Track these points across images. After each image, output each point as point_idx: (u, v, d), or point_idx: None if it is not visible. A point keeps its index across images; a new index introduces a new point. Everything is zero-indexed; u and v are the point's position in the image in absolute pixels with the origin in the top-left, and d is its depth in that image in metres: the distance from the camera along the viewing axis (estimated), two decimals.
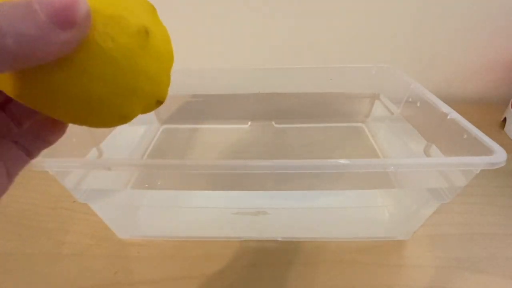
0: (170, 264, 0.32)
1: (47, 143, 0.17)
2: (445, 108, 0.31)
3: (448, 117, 0.30)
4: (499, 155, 0.23)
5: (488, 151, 0.24)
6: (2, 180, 0.14)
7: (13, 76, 0.12)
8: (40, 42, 0.09)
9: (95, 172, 0.27)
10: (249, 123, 0.52)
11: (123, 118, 0.15)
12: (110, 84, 0.13)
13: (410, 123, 0.38)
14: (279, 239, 0.34)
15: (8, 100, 0.15)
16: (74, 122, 0.14)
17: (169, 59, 0.15)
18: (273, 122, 0.52)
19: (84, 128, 0.32)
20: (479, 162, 0.23)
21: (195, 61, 0.55)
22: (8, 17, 0.09)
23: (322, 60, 0.58)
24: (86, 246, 0.34)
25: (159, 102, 0.16)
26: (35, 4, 0.09)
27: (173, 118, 0.51)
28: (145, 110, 0.15)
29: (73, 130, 0.30)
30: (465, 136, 0.27)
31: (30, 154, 0.16)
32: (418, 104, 0.36)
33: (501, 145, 0.24)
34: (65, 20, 0.09)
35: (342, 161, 0.23)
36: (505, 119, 0.51)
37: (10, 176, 0.15)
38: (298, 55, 0.57)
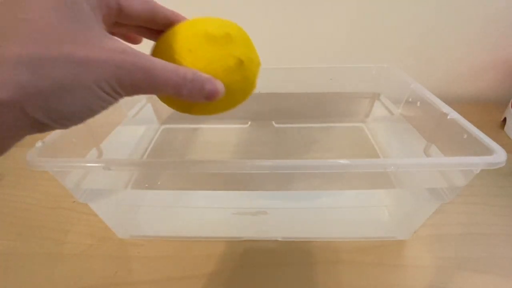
0: (170, 264, 0.32)
1: None
2: (445, 108, 0.31)
3: (448, 117, 0.30)
4: (499, 155, 0.23)
5: (488, 151, 0.24)
6: None
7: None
8: (191, 97, 0.18)
9: (95, 172, 0.27)
10: (249, 123, 0.52)
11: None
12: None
13: (410, 123, 0.38)
14: (279, 239, 0.34)
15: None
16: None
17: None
18: (273, 122, 0.52)
19: (84, 128, 0.32)
20: (479, 162, 0.23)
21: None
22: (190, 82, 0.17)
23: (322, 60, 0.58)
24: (86, 246, 0.34)
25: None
26: (205, 84, 0.18)
27: (173, 118, 0.51)
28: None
29: (73, 130, 0.30)
30: (465, 136, 0.27)
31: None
32: (418, 104, 0.36)
33: (501, 145, 0.24)
34: (209, 97, 0.18)
35: (342, 161, 0.23)
36: (505, 119, 0.51)
37: None
38: (298, 55, 0.57)
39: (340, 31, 0.54)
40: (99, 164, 0.25)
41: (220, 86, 0.18)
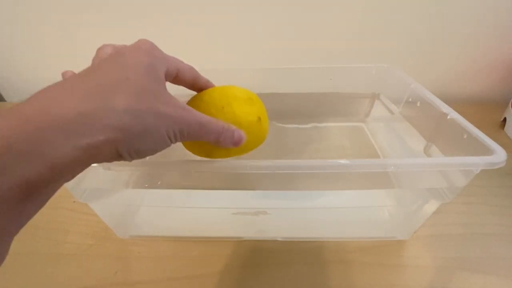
0: (170, 264, 0.32)
1: None
2: (445, 108, 0.31)
3: (448, 117, 0.30)
4: (499, 155, 0.23)
5: (488, 151, 0.24)
6: None
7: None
8: (224, 142, 0.22)
9: (95, 172, 0.27)
10: None
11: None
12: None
13: (410, 123, 0.38)
14: (279, 239, 0.34)
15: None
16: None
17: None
18: (273, 122, 0.52)
19: None
20: (479, 162, 0.23)
21: (195, 61, 0.54)
22: (226, 131, 0.22)
23: (322, 60, 0.58)
24: (86, 246, 0.34)
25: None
26: (235, 134, 0.23)
27: None
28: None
29: None
30: (465, 136, 0.27)
31: None
32: (418, 104, 0.36)
33: (501, 145, 0.24)
34: (235, 144, 0.23)
35: (342, 161, 0.23)
36: (505, 119, 0.51)
37: None
38: (298, 55, 0.57)
39: (340, 31, 0.54)
40: (99, 164, 0.25)
41: (244, 135, 0.23)
